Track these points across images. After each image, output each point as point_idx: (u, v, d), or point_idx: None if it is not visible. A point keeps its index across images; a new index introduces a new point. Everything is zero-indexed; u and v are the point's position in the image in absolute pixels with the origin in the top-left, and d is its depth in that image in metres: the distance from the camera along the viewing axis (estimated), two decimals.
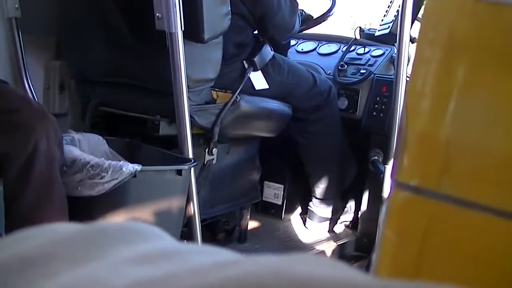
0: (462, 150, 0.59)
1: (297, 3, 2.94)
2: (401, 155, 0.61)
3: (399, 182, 0.60)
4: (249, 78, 2.78)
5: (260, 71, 2.84)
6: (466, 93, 0.59)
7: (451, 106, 0.59)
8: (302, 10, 3.25)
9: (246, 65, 2.78)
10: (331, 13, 3.43)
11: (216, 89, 2.67)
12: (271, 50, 2.91)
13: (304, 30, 3.47)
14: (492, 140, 0.58)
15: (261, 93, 2.85)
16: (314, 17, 3.42)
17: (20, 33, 2.71)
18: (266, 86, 2.86)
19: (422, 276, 0.60)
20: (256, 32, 2.91)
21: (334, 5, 3.43)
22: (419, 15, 2.87)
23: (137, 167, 2.05)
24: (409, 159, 0.61)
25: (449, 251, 0.59)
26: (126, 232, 0.51)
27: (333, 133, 3.22)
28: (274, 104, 2.93)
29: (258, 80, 2.83)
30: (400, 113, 2.41)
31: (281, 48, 3.14)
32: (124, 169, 2.02)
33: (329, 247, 3.18)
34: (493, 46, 0.58)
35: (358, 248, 3.24)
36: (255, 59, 2.79)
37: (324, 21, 3.44)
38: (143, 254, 0.45)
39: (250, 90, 2.79)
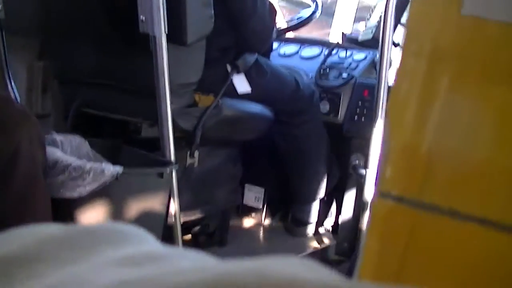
0: (444, 160, 0.60)
1: (275, 10, 2.95)
2: (383, 165, 0.62)
3: (382, 191, 0.61)
4: (232, 81, 2.78)
5: (243, 74, 2.84)
6: (448, 104, 0.60)
7: (434, 116, 0.60)
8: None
9: (229, 69, 2.79)
10: (314, 16, 3.44)
11: (199, 92, 2.67)
12: (255, 53, 2.91)
13: (287, 32, 3.48)
14: (474, 150, 0.59)
15: (244, 96, 2.86)
16: (298, 19, 3.44)
17: (3, 33, 2.70)
18: (249, 90, 2.86)
19: (403, 283, 0.60)
20: None
21: (317, 8, 3.44)
22: (402, 20, 2.89)
23: (119, 169, 2.05)
24: (391, 169, 0.61)
25: (431, 259, 0.60)
26: (111, 234, 0.51)
27: (316, 138, 3.22)
28: (256, 108, 2.94)
29: (241, 83, 2.83)
30: (382, 120, 2.43)
31: (264, 51, 3.14)
32: (105, 171, 2.02)
33: (310, 251, 3.18)
34: (476, 59, 0.59)
35: (338, 252, 3.25)
36: (238, 62, 2.79)
37: (307, 23, 3.45)
38: (128, 256, 0.46)
39: (233, 93, 2.80)
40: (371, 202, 0.62)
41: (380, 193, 0.60)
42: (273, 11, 2.92)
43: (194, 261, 0.48)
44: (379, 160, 0.59)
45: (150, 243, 0.53)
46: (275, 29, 3.01)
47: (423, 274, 0.60)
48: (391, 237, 0.60)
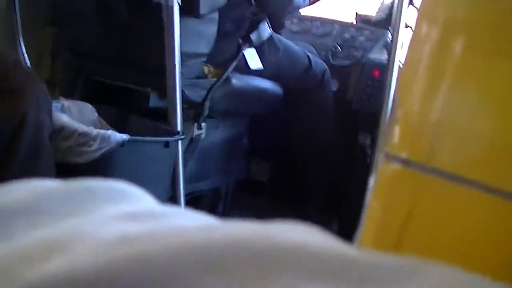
0: (451, 128, 0.59)
1: None
2: (392, 128, 0.62)
3: (389, 154, 0.61)
4: (244, 56, 2.77)
5: (255, 50, 2.82)
6: (459, 75, 0.59)
7: (444, 84, 0.59)
8: None
9: (241, 42, 2.77)
10: None
11: (208, 65, 2.66)
12: (269, 28, 2.89)
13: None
14: (481, 119, 0.58)
15: (255, 73, 2.84)
16: None
17: None
18: (261, 67, 2.85)
19: (405, 248, 0.60)
20: (254, 9, 2.90)
21: None
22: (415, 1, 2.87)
23: (125, 136, 2.05)
24: (400, 132, 0.61)
25: (434, 225, 0.60)
26: (110, 191, 0.51)
27: (325, 116, 3.22)
28: (266, 83, 2.93)
29: (253, 59, 2.82)
30: (392, 96, 2.43)
31: (276, 27, 3.12)
32: (112, 138, 2.02)
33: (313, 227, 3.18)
34: (487, 31, 0.59)
35: (340, 230, 3.25)
36: (251, 35, 2.78)
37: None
38: (128, 212, 0.45)
39: (244, 69, 2.78)
40: (376, 165, 0.62)
41: (386, 155, 0.60)
42: None
43: (195, 219, 0.48)
44: (388, 123, 0.60)
45: (148, 201, 0.53)
46: None
47: (425, 239, 0.60)
48: (395, 201, 0.60)
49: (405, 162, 0.60)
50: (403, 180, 0.60)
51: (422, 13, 0.62)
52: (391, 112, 0.62)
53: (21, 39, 2.71)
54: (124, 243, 0.38)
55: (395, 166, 0.60)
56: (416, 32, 0.62)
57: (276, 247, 0.36)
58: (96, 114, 2.42)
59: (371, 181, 0.63)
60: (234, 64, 2.68)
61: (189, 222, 0.46)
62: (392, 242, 0.60)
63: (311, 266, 0.36)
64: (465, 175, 0.57)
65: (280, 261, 0.36)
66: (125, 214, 0.45)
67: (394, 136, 0.61)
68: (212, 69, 2.68)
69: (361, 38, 3.43)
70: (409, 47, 0.62)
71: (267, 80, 2.93)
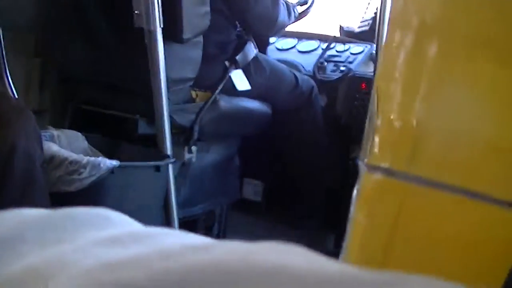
0: (431, 134, 0.59)
1: None
2: (372, 139, 0.61)
3: (370, 165, 0.61)
4: (231, 78, 2.77)
5: (242, 71, 2.83)
6: (436, 78, 0.59)
7: (422, 90, 0.59)
8: (293, 4, 3.23)
9: (227, 65, 2.78)
10: (310, 9, 3.43)
11: (196, 89, 2.67)
12: (255, 48, 2.90)
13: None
14: (462, 124, 0.58)
15: (242, 94, 2.85)
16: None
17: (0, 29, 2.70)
18: (248, 87, 2.85)
19: (391, 258, 0.60)
20: (239, 29, 2.91)
21: (313, 1, 3.43)
22: None
23: (115, 163, 2.05)
24: (380, 142, 0.61)
25: (420, 233, 0.60)
26: (94, 217, 0.51)
27: (316, 132, 3.22)
28: (254, 104, 2.93)
29: (240, 80, 2.82)
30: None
31: (261, 45, 3.13)
32: (102, 165, 2.02)
33: (309, 244, 3.17)
34: (463, 32, 0.59)
35: (337, 245, 3.24)
36: (237, 57, 2.78)
37: (304, 16, 3.44)
38: (112, 237, 0.45)
39: (231, 91, 2.79)
40: (359, 177, 0.62)
41: (368, 167, 0.60)
42: None
43: (179, 237, 0.48)
44: (366, 134, 0.59)
45: (133, 225, 0.53)
46: (284, 12, 2.99)
47: (412, 247, 0.60)
48: (380, 211, 0.60)
49: (387, 172, 0.59)
50: (386, 190, 0.60)
51: (393, 20, 0.62)
52: (369, 122, 0.62)
53: (7, 71, 2.71)
54: (105, 270, 0.38)
55: (377, 177, 0.60)
56: (389, 40, 0.62)
57: (254, 268, 0.36)
58: (86, 142, 2.42)
59: (354, 193, 0.63)
60: (220, 87, 2.69)
61: (175, 242, 0.46)
62: (379, 252, 0.60)
63: (288, 286, 0.36)
64: (448, 181, 0.57)
65: (256, 282, 0.36)
66: (108, 238, 0.45)
67: (374, 146, 0.60)
68: (200, 93, 2.68)
69: (346, 52, 3.44)
70: (383, 55, 0.62)
71: (255, 101, 2.93)
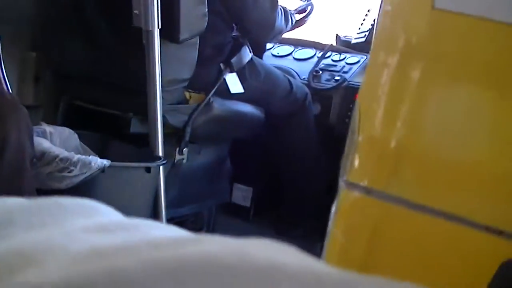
0: (412, 154, 0.60)
1: (277, 0, 2.94)
2: (352, 156, 0.62)
3: (349, 182, 0.61)
4: (225, 81, 2.78)
5: (236, 74, 2.83)
6: (418, 99, 0.60)
7: (404, 111, 0.60)
8: (291, 11, 3.23)
9: (222, 67, 2.78)
10: (309, 17, 3.44)
11: (190, 90, 2.67)
12: (250, 52, 2.91)
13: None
14: (443, 145, 0.59)
15: (236, 97, 2.85)
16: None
17: None
18: (242, 91, 2.85)
19: (367, 274, 0.61)
20: (236, 33, 2.91)
21: (312, 9, 3.43)
22: None
23: (106, 162, 2.05)
24: (360, 160, 0.62)
25: (396, 252, 0.61)
26: (82, 206, 0.51)
27: (307, 140, 3.21)
28: (247, 108, 2.93)
29: (234, 83, 2.83)
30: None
31: (257, 51, 3.13)
32: (92, 163, 2.02)
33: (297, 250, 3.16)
34: (448, 54, 0.60)
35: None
36: (232, 60, 2.79)
37: (302, 25, 3.44)
38: (100, 224, 0.46)
39: (225, 93, 2.79)
40: (337, 193, 0.63)
41: (347, 183, 0.60)
42: (274, 1, 2.91)
43: (165, 230, 0.48)
44: (346, 151, 0.60)
45: (119, 216, 0.54)
46: (281, 18, 2.99)
47: (388, 266, 0.60)
48: (356, 228, 0.61)
49: (366, 190, 0.60)
50: (364, 208, 0.60)
51: (379, 39, 0.62)
52: (350, 139, 0.63)
53: (2, 64, 2.71)
54: (95, 256, 0.38)
55: (356, 195, 0.61)
56: (373, 58, 0.62)
57: (248, 263, 0.37)
58: (78, 139, 2.41)
59: (333, 209, 0.63)
60: (214, 89, 2.69)
61: (160, 234, 0.46)
62: (355, 268, 0.61)
63: (281, 282, 0.36)
64: (426, 202, 0.58)
65: (250, 277, 0.36)
66: (96, 226, 0.45)
67: (354, 164, 0.61)
68: (193, 94, 2.68)
69: (342, 62, 3.44)
70: (367, 73, 0.62)
71: (249, 104, 2.94)
